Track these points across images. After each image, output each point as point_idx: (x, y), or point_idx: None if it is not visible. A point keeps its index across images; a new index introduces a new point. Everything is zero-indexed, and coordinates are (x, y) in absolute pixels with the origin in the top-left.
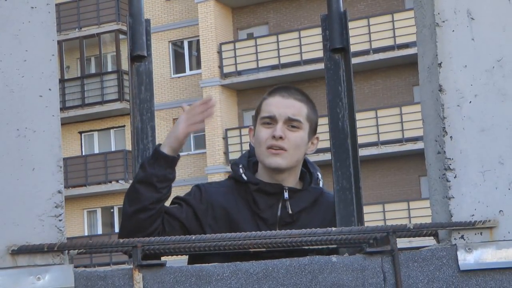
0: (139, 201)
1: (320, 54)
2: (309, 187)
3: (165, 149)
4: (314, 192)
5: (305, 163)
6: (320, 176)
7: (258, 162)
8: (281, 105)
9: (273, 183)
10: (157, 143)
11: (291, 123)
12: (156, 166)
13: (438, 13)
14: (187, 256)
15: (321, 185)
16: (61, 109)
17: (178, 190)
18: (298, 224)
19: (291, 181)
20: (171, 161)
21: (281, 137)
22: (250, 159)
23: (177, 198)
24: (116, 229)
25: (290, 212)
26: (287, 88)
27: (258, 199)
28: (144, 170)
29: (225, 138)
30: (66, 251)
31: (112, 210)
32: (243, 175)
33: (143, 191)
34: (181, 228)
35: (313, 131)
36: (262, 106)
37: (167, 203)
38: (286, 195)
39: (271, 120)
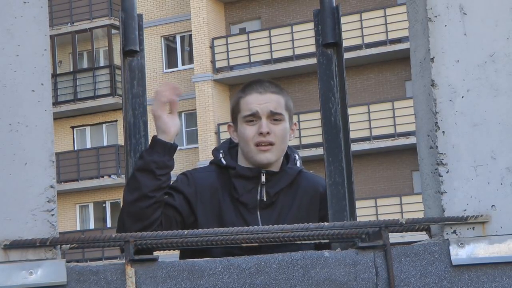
0: (139, 189)
1: (312, 49)
2: (286, 168)
3: (161, 137)
4: (291, 172)
5: None
6: (297, 157)
7: (240, 153)
8: (261, 101)
9: (251, 167)
10: (149, 137)
11: (274, 116)
12: (153, 153)
13: (431, 8)
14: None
15: (298, 165)
16: (53, 104)
17: None
18: (277, 206)
19: (273, 167)
20: (169, 147)
21: (268, 133)
22: (231, 146)
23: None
24: (108, 224)
25: (269, 194)
26: (260, 82)
27: (237, 184)
28: (143, 158)
29: (217, 133)
30: (58, 246)
31: (104, 205)
32: (222, 160)
33: (142, 179)
34: (176, 215)
35: (291, 118)
36: (241, 105)
37: None
38: (263, 178)
39: (254, 117)
